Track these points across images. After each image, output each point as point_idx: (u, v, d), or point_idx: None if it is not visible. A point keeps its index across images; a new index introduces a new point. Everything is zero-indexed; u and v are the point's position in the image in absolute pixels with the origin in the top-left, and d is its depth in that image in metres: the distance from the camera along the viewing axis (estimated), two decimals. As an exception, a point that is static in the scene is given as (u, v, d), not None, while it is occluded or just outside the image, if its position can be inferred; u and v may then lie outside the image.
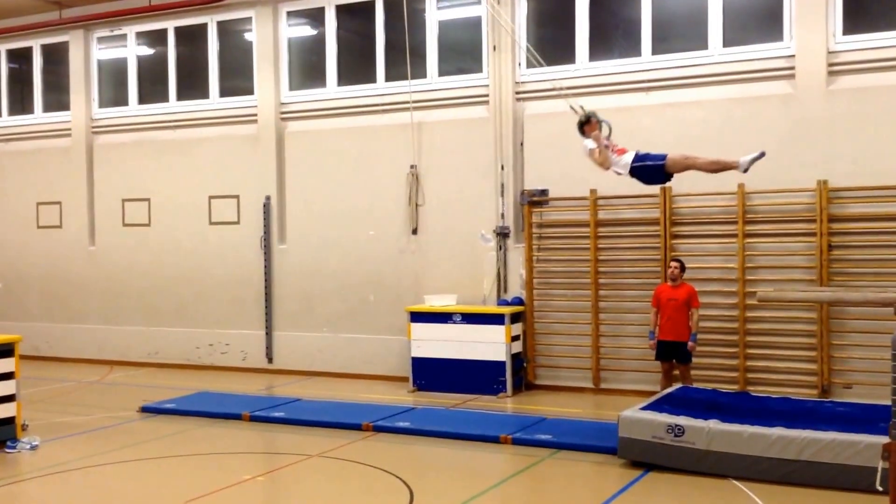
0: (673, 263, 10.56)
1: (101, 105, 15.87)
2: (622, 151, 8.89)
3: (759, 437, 7.68)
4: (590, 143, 9.01)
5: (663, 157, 8.72)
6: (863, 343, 10.55)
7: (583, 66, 12.22)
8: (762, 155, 8.41)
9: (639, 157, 8.81)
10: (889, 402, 8.14)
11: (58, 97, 16.32)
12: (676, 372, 10.55)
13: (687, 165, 8.78)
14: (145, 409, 11.21)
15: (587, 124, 9.02)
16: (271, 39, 14.11)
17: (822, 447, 7.44)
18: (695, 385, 10.34)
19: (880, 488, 5.36)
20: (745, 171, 8.57)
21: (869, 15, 11.07)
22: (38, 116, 16.48)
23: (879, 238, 10.53)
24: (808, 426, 7.77)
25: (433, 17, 13.14)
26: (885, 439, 5.50)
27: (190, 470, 8.69)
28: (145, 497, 7.78)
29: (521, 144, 12.54)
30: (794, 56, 11.01)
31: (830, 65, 10.83)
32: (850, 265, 10.69)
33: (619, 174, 9.03)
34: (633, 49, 11.98)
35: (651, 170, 8.82)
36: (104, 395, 12.70)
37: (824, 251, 10.64)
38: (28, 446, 9.34)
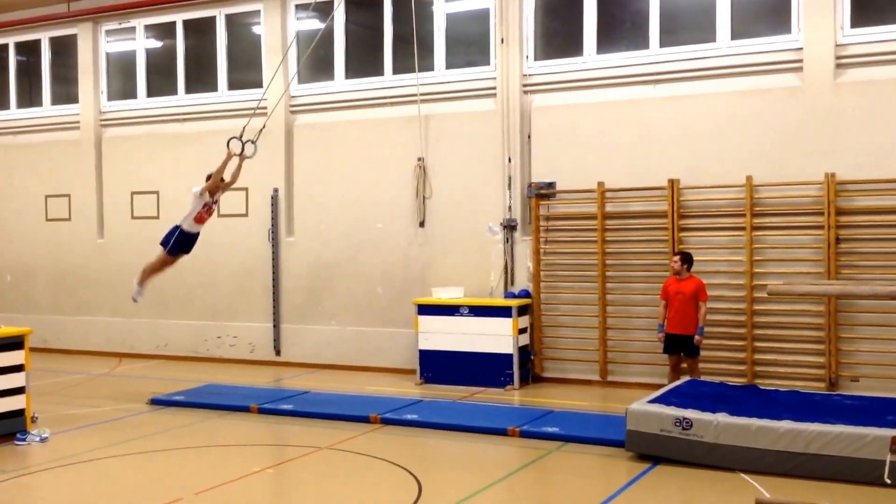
0: (674, 257, 10.56)
1: (110, 98, 15.90)
2: (201, 220, 10.95)
3: (766, 430, 7.69)
4: (196, 189, 10.90)
5: (162, 244, 11.14)
6: (871, 336, 10.55)
7: (590, 58, 12.21)
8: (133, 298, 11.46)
9: (174, 234, 10.95)
10: (897, 396, 8.15)
11: (66, 90, 16.35)
12: (684, 365, 10.58)
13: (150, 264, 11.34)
14: (154, 402, 11.26)
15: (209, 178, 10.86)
16: (279, 32, 14.12)
17: (830, 440, 7.44)
18: (703, 378, 10.35)
19: (888, 481, 5.38)
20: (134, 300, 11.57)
21: (877, 7, 11.02)
22: (47, 109, 16.51)
23: (887, 231, 10.51)
24: (816, 419, 7.77)
25: (441, 10, 13.14)
26: (892, 432, 5.52)
27: (199, 462, 8.74)
28: (154, 489, 7.81)
29: (529, 137, 12.53)
30: (801, 49, 10.98)
31: (838, 57, 10.80)
32: (858, 258, 10.67)
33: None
34: (640, 41, 11.97)
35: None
36: (113, 388, 12.74)
37: (832, 244, 10.63)
38: (38, 438, 9.38)
